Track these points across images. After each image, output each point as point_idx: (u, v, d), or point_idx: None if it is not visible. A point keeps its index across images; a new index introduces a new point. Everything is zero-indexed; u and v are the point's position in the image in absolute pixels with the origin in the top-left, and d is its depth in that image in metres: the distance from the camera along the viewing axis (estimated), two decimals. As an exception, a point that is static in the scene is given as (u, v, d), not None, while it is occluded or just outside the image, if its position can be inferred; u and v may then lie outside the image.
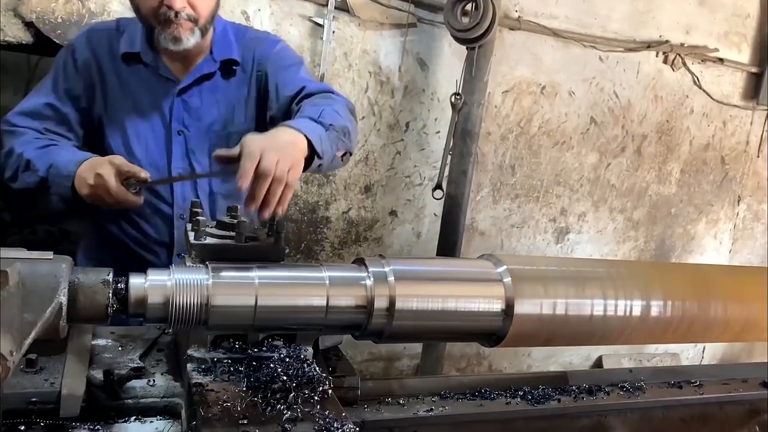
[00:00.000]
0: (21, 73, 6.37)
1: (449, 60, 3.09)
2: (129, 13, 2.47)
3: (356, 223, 3.10)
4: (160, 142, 1.72)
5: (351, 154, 1.61)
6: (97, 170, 1.48)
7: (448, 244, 3.01)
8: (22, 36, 2.35)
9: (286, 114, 1.68)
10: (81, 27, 2.40)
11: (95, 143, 1.75)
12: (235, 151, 1.27)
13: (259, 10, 2.67)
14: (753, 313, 1.57)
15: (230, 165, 1.27)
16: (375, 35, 2.94)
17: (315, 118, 1.44)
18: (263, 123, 1.77)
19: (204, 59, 1.73)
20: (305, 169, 1.36)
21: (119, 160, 1.51)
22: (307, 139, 1.36)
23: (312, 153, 1.38)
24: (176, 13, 1.57)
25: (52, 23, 2.36)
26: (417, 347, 3.26)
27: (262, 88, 1.77)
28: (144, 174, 1.49)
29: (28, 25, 2.34)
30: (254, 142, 1.24)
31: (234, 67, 1.76)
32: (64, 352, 1.28)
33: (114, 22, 1.82)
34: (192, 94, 1.73)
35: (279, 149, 1.25)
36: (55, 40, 2.38)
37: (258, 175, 1.21)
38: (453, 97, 2.93)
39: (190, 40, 1.62)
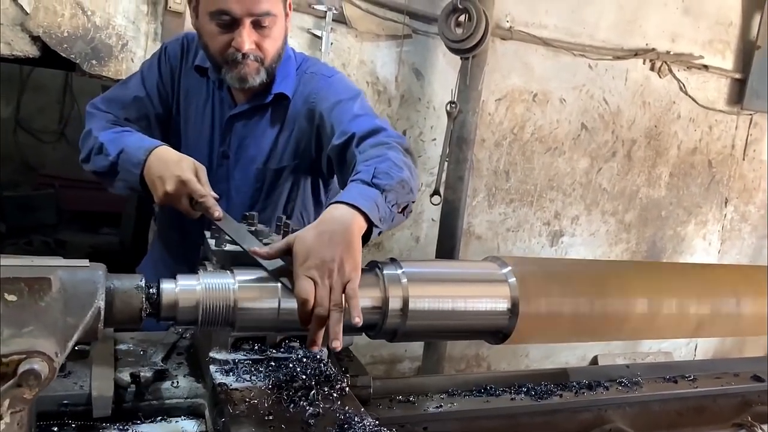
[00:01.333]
0: (13, 83, 6.42)
1: (444, 69, 3.17)
2: (133, 26, 2.54)
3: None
4: (205, 159, 1.68)
5: (413, 202, 1.46)
6: (175, 181, 1.42)
7: (447, 249, 3.08)
8: (29, 50, 2.40)
9: (341, 156, 1.59)
10: (86, 40, 2.46)
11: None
12: (278, 248, 1.18)
13: (259, 23, 2.73)
14: (746, 309, 1.64)
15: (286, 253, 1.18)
16: (372, 46, 3.01)
17: (369, 182, 1.32)
18: (317, 159, 1.73)
19: (261, 90, 1.70)
20: (364, 243, 1.24)
21: (201, 182, 1.44)
22: (364, 212, 1.24)
23: (370, 225, 1.26)
24: (243, 55, 1.56)
25: (58, 37, 2.41)
26: (418, 350, 3.32)
27: (316, 125, 1.69)
28: (217, 214, 1.36)
29: (35, 39, 2.39)
30: (305, 249, 1.13)
31: (285, 102, 1.71)
32: (88, 357, 1.34)
33: None
34: (242, 123, 1.73)
35: (334, 251, 1.13)
36: (61, 53, 2.43)
37: (315, 311, 1.11)
38: (448, 105, 3.01)
39: (256, 79, 1.61)
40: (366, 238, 1.26)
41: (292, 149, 1.72)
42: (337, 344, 1.11)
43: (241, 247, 1.24)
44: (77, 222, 6.09)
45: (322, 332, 1.12)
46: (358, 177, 1.35)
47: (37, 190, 6.06)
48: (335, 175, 1.70)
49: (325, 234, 1.16)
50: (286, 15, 1.65)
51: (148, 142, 1.54)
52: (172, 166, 1.45)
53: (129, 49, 2.55)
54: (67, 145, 6.72)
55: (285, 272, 1.17)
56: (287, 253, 1.17)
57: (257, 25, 1.56)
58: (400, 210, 1.36)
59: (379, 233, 1.31)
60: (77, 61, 2.47)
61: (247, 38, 1.55)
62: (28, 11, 2.35)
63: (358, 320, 1.12)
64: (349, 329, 1.23)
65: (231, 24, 1.54)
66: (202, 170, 1.47)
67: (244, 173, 1.73)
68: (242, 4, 1.51)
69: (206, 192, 1.42)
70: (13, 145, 6.45)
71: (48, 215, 5.85)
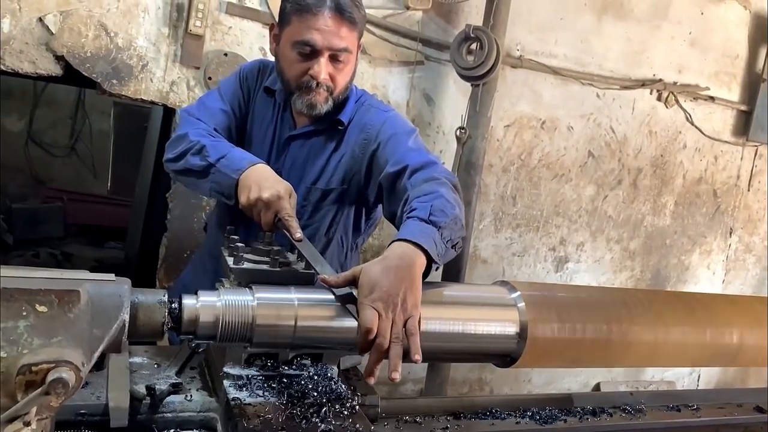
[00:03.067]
0: (27, 98, 6.52)
1: (454, 96, 3.23)
2: (154, 47, 2.61)
3: (364, 250, 3.20)
4: None
5: (464, 237, 1.51)
6: (272, 193, 1.51)
7: (453, 272, 3.11)
8: (53, 69, 2.47)
9: (391, 186, 1.67)
10: (108, 61, 2.53)
11: None
12: (344, 278, 1.25)
13: (275, 46, 2.80)
14: (749, 340, 1.67)
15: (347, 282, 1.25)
16: (384, 72, 3.08)
17: (426, 219, 1.37)
18: (364, 187, 1.79)
19: (322, 116, 1.77)
20: (423, 279, 1.29)
21: (290, 205, 1.53)
22: (424, 250, 1.30)
23: (429, 261, 1.31)
24: (318, 84, 1.67)
25: (81, 57, 2.48)
26: (421, 372, 3.32)
27: (369, 154, 1.76)
28: (298, 235, 1.45)
29: (59, 58, 2.46)
30: (371, 282, 1.19)
31: (339, 128, 1.80)
32: (103, 369, 1.37)
33: None
34: (298, 144, 1.82)
35: (399, 286, 1.19)
36: (83, 73, 2.50)
37: (376, 342, 1.15)
38: (458, 131, 3.06)
39: (323, 108, 1.72)
40: (425, 274, 1.31)
41: (341, 174, 1.80)
42: (396, 375, 1.14)
43: (314, 269, 1.34)
44: (83, 235, 6.14)
45: (380, 363, 1.16)
46: (415, 214, 1.40)
47: (45, 203, 6.12)
48: (381, 204, 1.78)
49: (391, 269, 1.22)
50: (358, 52, 1.77)
51: (253, 157, 1.65)
52: (273, 181, 1.56)
53: (149, 70, 2.61)
54: (77, 159, 6.82)
55: (350, 299, 1.23)
56: (352, 283, 1.24)
57: (334, 59, 1.67)
58: (452, 245, 1.41)
59: (436, 269, 1.36)
60: (98, 81, 2.54)
61: (323, 69, 1.66)
62: (54, 32, 2.42)
63: (418, 358, 1.16)
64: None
65: (311, 54, 1.66)
66: (294, 197, 1.58)
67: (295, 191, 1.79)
68: (325, 38, 1.63)
69: (293, 213, 1.52)
70: (23, 159, 6.53)
71: (55, 228, 5.90)
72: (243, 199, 1.55)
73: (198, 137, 1.70)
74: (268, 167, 1.63)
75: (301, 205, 1.81)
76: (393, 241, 1.32)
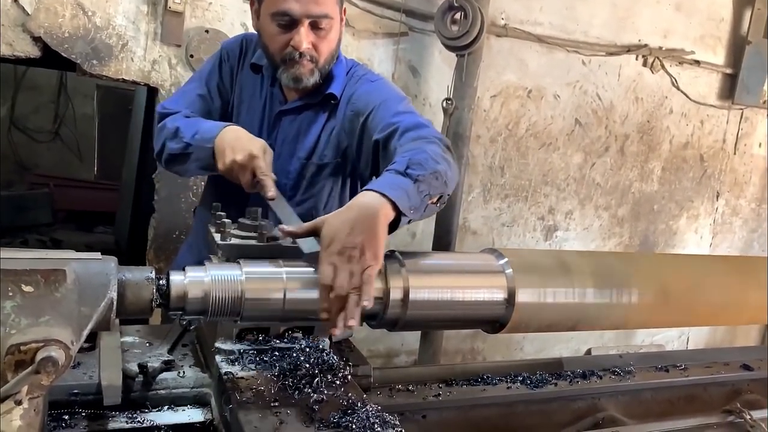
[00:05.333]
0: (8, 83, 6.42)
1: (440, 67, 3.21)
2: (133, 26, 2.57)
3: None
4: None
5: (449, 196, 1.50)
6: (246, 153, 1.51)
7: (442, 244, 3.12)
8: (30, 50, 2.42)
9: (383, 150, 1.65)
10: (87, 41, 2.49)
11: None
12: (305, 228, 1.26)
13: (257, 21, 2.76)
14: (732, 298, 1.69)
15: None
16: (369, 44, 3.05)
17: (402, 171, 1.35)
18: (357, 159, 1.79)
19: (312, 90, 1.76)
20: (392, 230, 1.29)
21: (266, 163, 1.52)
22: (392, 201, 1.28)
23: (398, 213, 1.29)
24: (300, 54, 1.66)
25: (59, 38, 2.44)
26: (414, 344, 3.36)
27: (360, 125, 1.74)
28: (270, 193, 1.48)
29: (36, 39, 2.42)
30: (331, 234, 1.19)
31: (332, 102, 1.79)
32: (94, 349, 1.38)
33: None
34: (289, 118, 1.81)
35: (357, 238, 1.18)
36: (62, 54, 2.45)
37: (334, 294, 1.16)
38: (444, 102, 3.05)
39: (310, 80, 1.71)
40: (393, 226, 1.31)
41: (333, 147, 1.79)
42: (353, 323, 1.16)
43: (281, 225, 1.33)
44: (72, 221, 6.11)
45: (341, 315, 1.16)
46: (392, 167, 1.39)
47: (31, 189, 6.07)
48: (375, 173, 1.76)
49: (351, 221, 1.21)
50: (341, 20, 1.75)
51: (222, 124, 1.65)
52: (245, 141, 1.55)
53: (129, 49, 2.57)
54: (61, 144, 6.74)
55: (313, 257, 1.23)
56: (314, 233, 1.24)
57: (314, 27, 1.65)
58: (433, 201, 1.40)
59: (409, 221, 1.35)
60: (78, 62, 2.50)
61: (304, 38, 1.64)
62: (30, 12, 2.37)
63: (367, 303, 1.16)
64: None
65: (290, 25, 1.64)
66: (270, 153, 1.56)
67: (285, 167, 1.79)
68: (302, 5, 1.61)
69: (268, 172, 1.52)
70: (7, 145, 6.46)
71: (43, 214, 5.86)
72: (220, 165, 1.55)
73: (173, 122, 1.70)
74: (240, 128, 1.62)
75: (295, 182, 1.81)
76: (363, 190, 1.31)
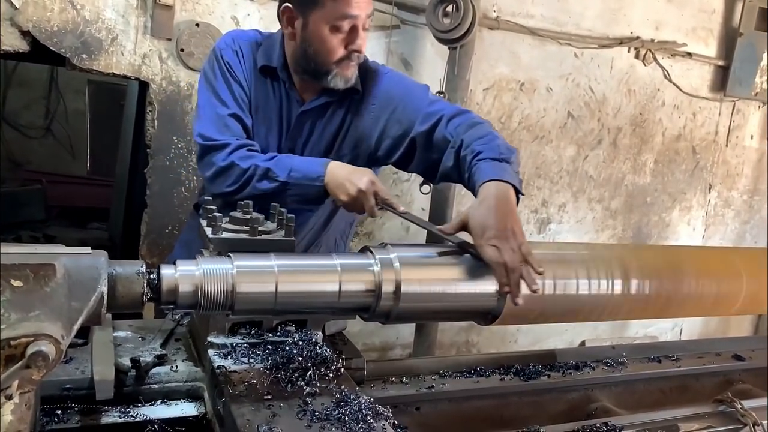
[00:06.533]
0: (-3, 79, 6.37)
1: (432, 59, 3.20)
2: (123, 19, 2.55)
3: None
4: (274, 152, 1.76)
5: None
6: (366, 180, 1.57)
7: (436, 238, 3.12)
8: (19, 44, 2.40)
9: (428, 139, 1.72)
10: (76, 35, 2.47)
11: None
12: (455, 225, 1.42)
13: (248, 15, 2.75)
14: (723, 289, 1.70)
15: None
16: (360, 37, 3.03)
17: (498, 158, 1.52)
18: (375, 150, 1.80)
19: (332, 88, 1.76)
20: None
21: (378, 185, 1.58)
22: (513, 186, 1.47)
23: (517, 193, 1.49)
24: (358, 55, 1.70)
25: (48, 32, 2.42)
26: (409, 337, 3.37)
27: (383, 121, 1.78)
28: (402, 209, 1.57)
29: (25, 33, 2.39)
30: (481, 224, 1.37)
31: (355, 96, 1.80)
32: (87, 344, 1.37)
33: (254, 32, 1.87)
34: (309, 118, 1.81)
35: (506, 221, 1.37)
36: (51, 48, 2.43)
37: (510, 273, 1.32)
38: (436, 94, 3.04)
39: (352, 79, 1.74)
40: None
41: (352, 142, 1.82)
42: (535, 286, 1.33)
43: (428, 230, 1.60)
44: (65, 217, 6.07)
45: (519, 284, 1.32)
46: (485, 156, 1.54)
47: (24, 185, 6.03)
48: (409, 162, 1.80)
49: (493, 208, 1.39)
50: None
51: (318, 159, 1.69)
52: (358, 173, 1.61)
53: (119, 43, 2.55)
54: (53, 140, 6.70)
55: (468, 245, 1.39)
56: (463, 227, 1.40)
57: (364, 27, 1.70)
58: (520, 178, 1.55)
59: (520, 198, 1.51)
60: (67, 56, 2.48)
61: (365, 41, 1.70)
62: (18, 6, 2.35)
63: (541, 270, 1.33)
64: (342, 314, 1.29)
65: (351, 27, 1.67)
66: (376, 174, 1.64)
67: None
68: (364, 6, 1.67)
69: (388, 191, 1.60)
70: (-2, 141, 6.42)
71: (36, 211, 5.82)
72: (345, 197, 1.59)
73: (250, 162, 1.66)
74: (339, 162, 1.68)
75: None
76: (482, 183, 1.46)
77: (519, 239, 1.35)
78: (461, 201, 3.48)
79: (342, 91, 1.76)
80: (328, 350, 1.32)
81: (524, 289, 1.33)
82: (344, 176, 1.60)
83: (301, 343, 1.32)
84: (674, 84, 3.98)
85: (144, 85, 2.74)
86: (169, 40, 2.63)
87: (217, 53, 1.79)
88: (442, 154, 1.69)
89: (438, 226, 1.47)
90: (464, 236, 1.43)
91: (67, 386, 1.22)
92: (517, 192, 1.48)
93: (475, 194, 1.50)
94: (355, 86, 1.77)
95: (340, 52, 1.69)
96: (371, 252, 1.31)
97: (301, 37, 1.71)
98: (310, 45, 1.70)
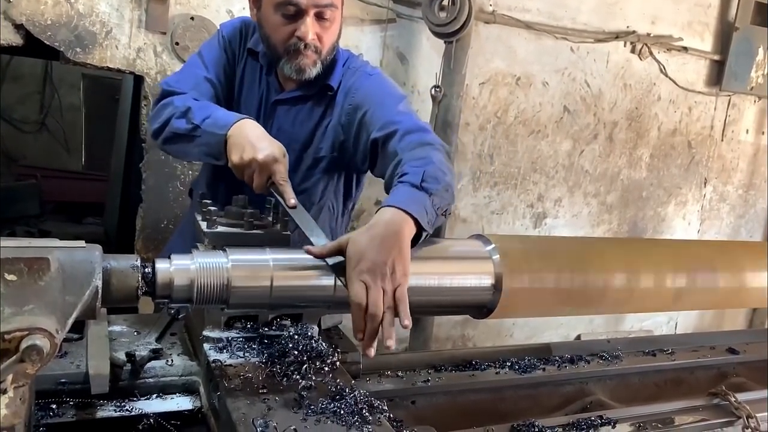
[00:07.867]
0: (-8, 72, 6.33)
1: (428, 54, 3.19)
2: (117, 13, 2.54)
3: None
4: None
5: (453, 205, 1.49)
6: (268, 154, 1.43)
7: (432, 232, 3.12)
8: (12, 38, 2.39)
9: (381, 149, 1.62)
10: (70, 28, 2.46)
11: None
12: (329, 249, 1.23)
13: (243, 8, 2.73)
14: (722, 283, 1.71)
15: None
16: (356, 31, 3.03)
17: (418, 185, 1.34)
18: (354, 154, 1.74)
19: (310, 80, 1.72)
20: (412, 246, 1.27)
21: (284, 168, 1.46)
22: (414, 217, 1.28)
23: (419, 229, 1.30)
24: (305, 45, 1.62)
25: (42, 25, 2.40)
26: (405, 331, 3.37)
27: (357, 120, 1.70)
28: (292, 201, 1.40)
29: (18, 27, 2.38)
30: (358, 252, 1.18)
31: (329, 93, 1.75)
32: (82, 338, 1.37)
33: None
34: (285, 108, 1.77)
35: (386, 256, 1.17)
36: (45, 41, 2.42)
37: (369, 313, 1.15)
38: (433, 89, 3.04)
39: (312, 71, 1.67)
40: (414, 241, 1.29)
41: (330, 141, 1.75)
42: (390, 343, 1.14)
43: (307, 237, 1.31)
44: (61, 212, 6.05)
45: (376, 334, 1.15)
46: (406, 179, 1.37)
47: (18, 180, 6.01)
48: (370, 169, 1.73)
49: (377, 238, 1.20)
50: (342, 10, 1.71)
51: (239, 114, 1.57)
52: (268, 141, 1.46)
53: (113, 37, 2.54)
54: (48, 135, 6.67)
55: (343, 269, 1.20)
56: (339, 253, 1.22)
57: (319, 17, 1.62)
58: (442, 213, 1.38)
59: (426, 236, 1.34)
60: (61, 49, 2.46)
61: (311, 29, 1.61)
62: (11, -1, 2.34)
63: (407, 323, 1.16)
64: (337, 308, 1.29)
65: (296, 15, 1.60)
66: (287, 158, 1.49)
67: None
68: None
69: (287, 177, 1.45)
70: (-7, 136, 6.39)
71: (31, 206, 5.80)
72: (235, 157, 1.46)
73: (182, 102, 1.64)
74: (257, 124, 1.55)
75: (291, 172, 1.75)
76: (382, 206, 1.29)
77: (397, 280, 1.17)
78: (457, 195, 3.48)
79: (319, 87, 1.73)
80: (323, 344, 1.31)
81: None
82: (249, 138, 1.46)
83: (296, 337, 1.32)
84: (670, 78, 3.98)
85: (139, 79, 2.73)
86: (164, 33, 2.62)
87: (220, 28, 1.84)
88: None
89: (308, 247, 1.25)
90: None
91: (62, 380, 1.22)
92: (421, 228, 1.29)
93: None
94: (328, 82, 1.73)
95: (286, 37, 1.64)
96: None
97: (257, 20, 1.71)
98: (263, 28, 1.69)
